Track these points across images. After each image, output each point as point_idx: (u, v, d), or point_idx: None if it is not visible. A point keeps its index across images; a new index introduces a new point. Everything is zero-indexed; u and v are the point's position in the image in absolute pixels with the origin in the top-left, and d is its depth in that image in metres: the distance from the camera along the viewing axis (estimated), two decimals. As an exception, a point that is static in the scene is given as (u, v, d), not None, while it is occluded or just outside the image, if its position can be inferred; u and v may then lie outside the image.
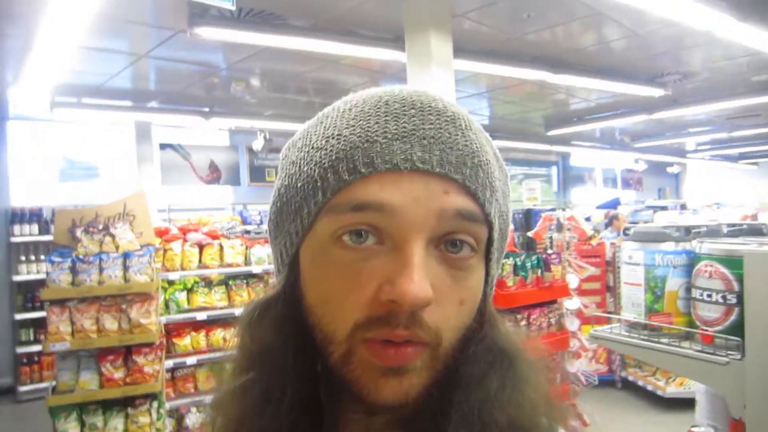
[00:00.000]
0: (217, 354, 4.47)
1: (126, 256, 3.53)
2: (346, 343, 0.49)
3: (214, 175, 8.98)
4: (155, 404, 3.53)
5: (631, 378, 5.92)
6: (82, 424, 3.33)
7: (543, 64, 5.52)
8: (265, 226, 5.43)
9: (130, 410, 3.45)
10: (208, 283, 4.79)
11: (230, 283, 4.85)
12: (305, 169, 0.52)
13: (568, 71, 5.72)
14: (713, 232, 2.02)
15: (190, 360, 4.50)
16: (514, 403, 0.53)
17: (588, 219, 7.12)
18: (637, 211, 8.82)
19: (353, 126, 0.51)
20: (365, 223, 0.48)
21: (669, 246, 1.88)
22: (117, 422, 3.39)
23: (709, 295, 1.70)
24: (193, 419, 4.33)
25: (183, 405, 4.41)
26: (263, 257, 4.86)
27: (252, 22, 4.16)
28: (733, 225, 2.18)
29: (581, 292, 4.34)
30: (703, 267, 1.73)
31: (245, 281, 4.90)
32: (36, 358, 6.51)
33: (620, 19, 4.54)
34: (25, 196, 7.00)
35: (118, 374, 3.40)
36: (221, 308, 4.69)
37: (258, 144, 8.36)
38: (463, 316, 0.52)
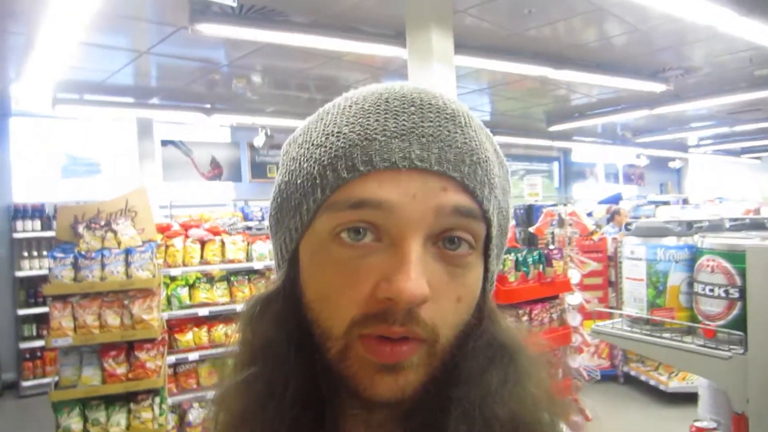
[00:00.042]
0: (219, 350, 4.50)
1: (128, 252, 3.53)
2: (343, 339, 0.49)
3: (215, 171, 8.98)
4: (157, 400, 3.55)
5: (633, 373, 5.93)
6: (85, 420, 3.35)
7: (544, 60, 5.51)
8: (266, 222, 5.36)
9: (132, 406, 3.46)
10: (210, 279, 4.80)
11: (232, 278, 4.86)
12: (305, 165, 0.52)
13: (569, 67, 5.70)
14: (715, 227, 2.01)
15: (192, 356, 4.50)
16: (516, 398, 0.53)
17: (590, 214, 7.10)
18: (639, 206, 8.77)
19: (353, 123, 0.51)
20: (363, 220, 0.49)
21: (671, 241, 1.87)
22: (119, 417, 3.40)
23: (712, 290, 1.70)
24: (195, 415, 4.34)
25: (185, 400, 4.42)
26: (264, 253, 4.86)
27: (253, 18, 4.15)
28: (736, 219, 2.17)
29: (583, 287, 4.33)
30: (706, 261, 1.73)
31: (247, 277, 4.90)
32: (39, 354, 6.54)
33: (622, 14, 4.52)
34: (28, 193, 7.02)
35: (121, 370, 3.41)
36: (223, 304, 4.70)
37: (259, 140, 8.36)
38: (460, 313, 0.52)
